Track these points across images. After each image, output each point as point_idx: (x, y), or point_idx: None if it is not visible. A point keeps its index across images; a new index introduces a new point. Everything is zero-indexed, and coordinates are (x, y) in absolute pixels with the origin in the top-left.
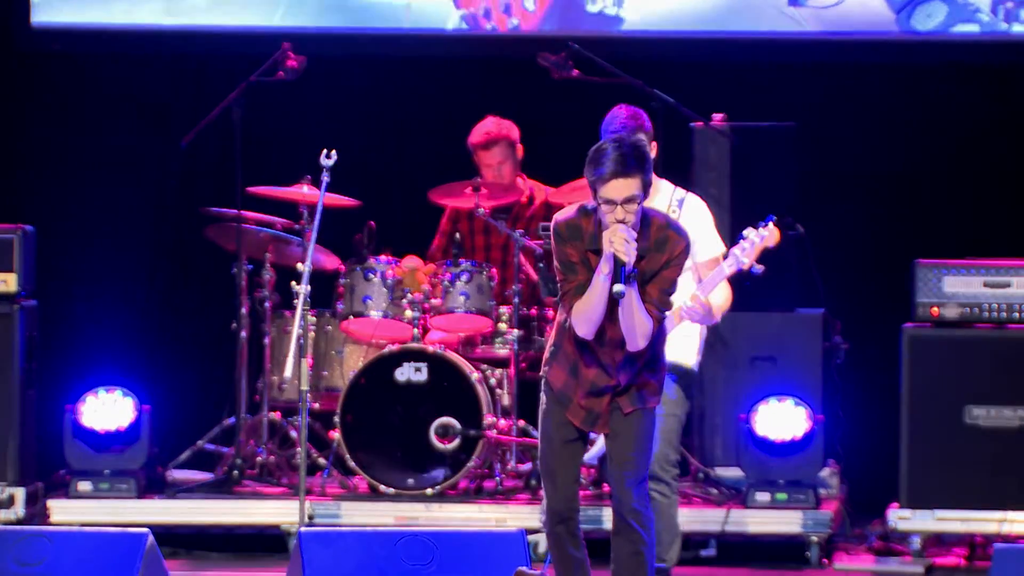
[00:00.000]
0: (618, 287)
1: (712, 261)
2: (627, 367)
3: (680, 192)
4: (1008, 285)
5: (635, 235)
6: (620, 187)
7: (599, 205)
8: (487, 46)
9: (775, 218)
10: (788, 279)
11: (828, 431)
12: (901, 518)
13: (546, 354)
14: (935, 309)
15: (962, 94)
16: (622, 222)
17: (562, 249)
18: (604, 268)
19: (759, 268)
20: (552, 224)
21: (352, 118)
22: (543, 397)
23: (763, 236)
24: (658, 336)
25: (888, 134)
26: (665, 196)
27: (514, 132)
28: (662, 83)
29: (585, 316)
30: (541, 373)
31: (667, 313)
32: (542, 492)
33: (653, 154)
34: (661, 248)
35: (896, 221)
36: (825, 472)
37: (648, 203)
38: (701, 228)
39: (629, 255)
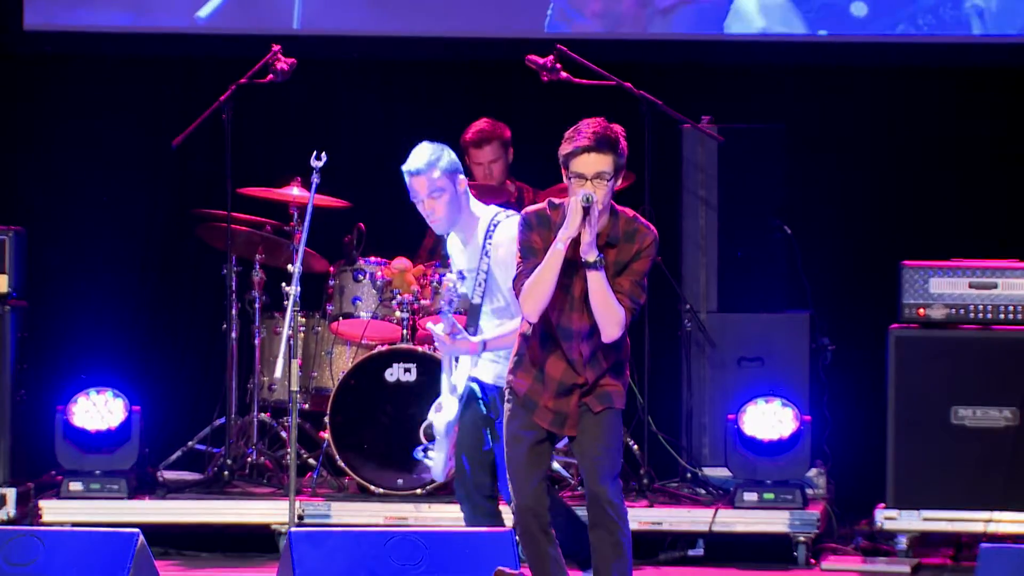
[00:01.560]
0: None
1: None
2: (594, 363)
3: (501, 216)
4: (994, 286)
5: (600, 209)
6: (591, 162)
7: (570, 181)
8: (476, 48)
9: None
10: (775, 280)
11: (815, 431)
12: (888, 518)
13: (510, 364)
14: (921, 310)
15: (950, 96)
16: (596, 200)
17: (528, 236)
18: (566, 232)
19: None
20: (522, 214)
21: (342, 120)
22: (507, 405)
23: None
24: (622, 340)
25: (875, 136)
26: (485, 220)
27: (507, 132)
28: (650, 85)
29: (537, 286)
30: (505, 383)
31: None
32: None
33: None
34: (631, 239)
35: (882, 222)
36: (812, 472)
37: (467, 227)
38: (510, 253)
39: (592, 214)
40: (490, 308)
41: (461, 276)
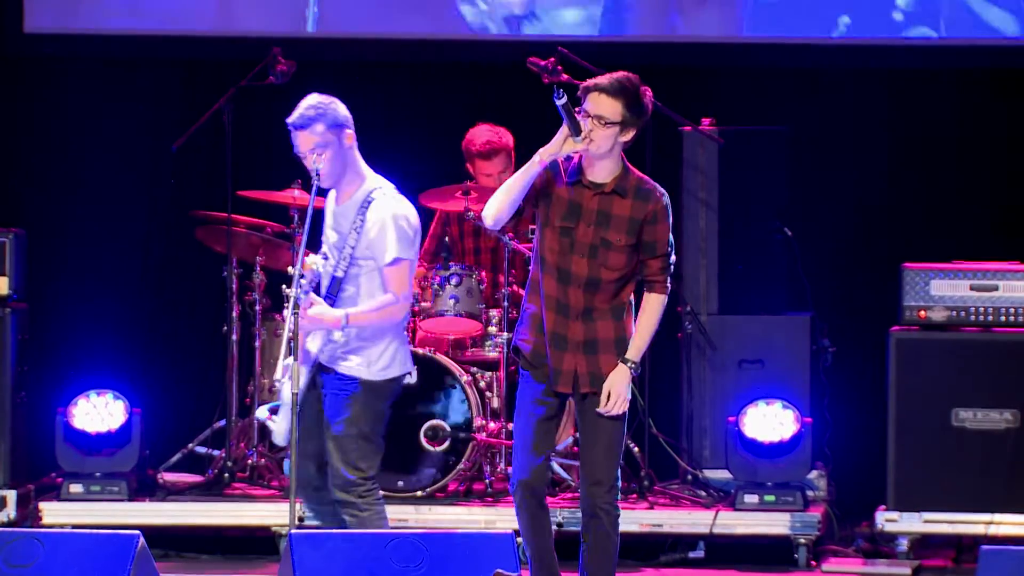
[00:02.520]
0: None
1: (390, 267)
2: (587, 318)
3: (379, 192)
4: (995, 288)
5: (591, 151)
6: (597, 102)
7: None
8: (476, 50)
9: None
10: (776, 282)
11: (816, 434)
12: (888, 520)
13: (516, 329)
14: (922, 312)
15: (951, 98)
16: (588, 136)
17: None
18: (544, 149)
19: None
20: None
21: None
22: (520, 374)
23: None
24: (625, 320)
25: (876, 138)
26: (364, 190)
27: (512, 140)
28: (651, 87)
29: (502, 190)
30: (513, 342)
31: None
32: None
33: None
34: (644, 197)
35: (883, 225)
36: (813, 474)
37: (350, 185)
38: (382, 230)
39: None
40: (352, 288)
41: (325, 258)
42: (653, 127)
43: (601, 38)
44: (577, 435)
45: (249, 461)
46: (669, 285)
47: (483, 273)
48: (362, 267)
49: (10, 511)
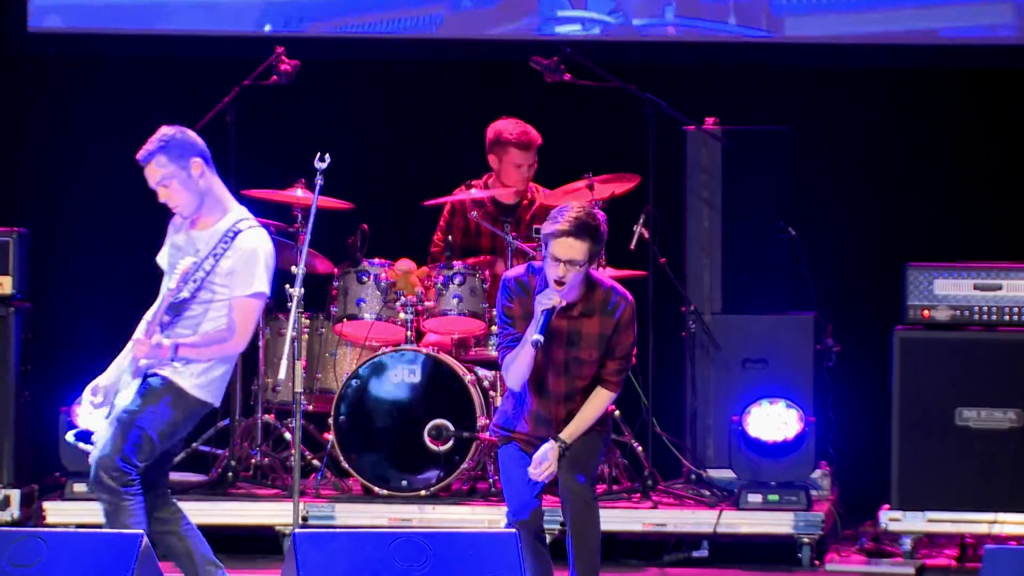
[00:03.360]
0: (537, 337)
1: (248, 299)
2: (568, 421)
3: (246, 224)
4: (999, 288)
5: (563, 294)
6: (566, 247)
7: (545, 258)
8: (480, 49)
9: None
10: (779, 282)
11: (819, 433)
12: (892, 519)
13: (499, 419)
14: (926, 311)
15: (953, 98)
16: (559, 281)
17: (508, 302)
18: (533, 330)
19: None
20: (503, 278)
21: (345, 121)
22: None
23: None
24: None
25: (880, 137)
26: (229, 220)
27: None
28: (654, 87)
29: (513, 369)
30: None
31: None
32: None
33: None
34: (609, 312)
35: (887, 224)
36: (817, 474)
37: (211, 213)
38: (247, 262)
39: (551, 303)
40: (199, 310)
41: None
42: (656, 126)
43: (604, 37)
44: None
45: (253, 460)
46: (621, 386)
47: (487, 272)
48: (215, 293)
49: (14, 510)
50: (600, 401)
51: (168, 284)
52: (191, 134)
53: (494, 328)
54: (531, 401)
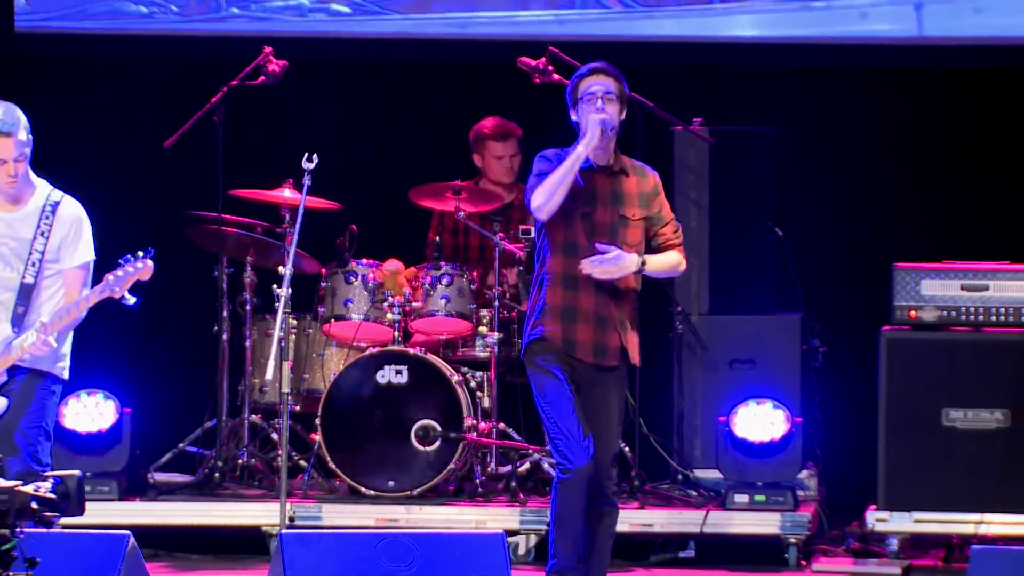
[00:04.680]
0: (604, 116)
1: (79, 269)
2: (616, 297)
3: (57, 194)
4: (985, 288)
5: (606, 130)
6: (602, 81)
7: (581, 106)
8: (468, 50)
9: (153, 252)
10: (767, 282)
11: (806, 433)
12: (879, 520)
13: (531, 319)
14: (913, 312)
15: (941, 99)
16: (606, 113)
17: (547, 166)
18: (586, 142)
19: (131, 300)
20: (540, 153)
21: (333, 122)
22: (539, 365)
23: (138, 268)
24: (637, 302)
25: (867, 138)
26: (41, 194)
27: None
28: (642, 87)
29: (554, 181)
30: (529, 339)
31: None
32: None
33: None
34: (642, 173)
35: (874, 225)
36: (803, 474)
37: (23, 193)
38: (75, 233)
39: (605, 124)
40: (48, 293)
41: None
42: (643, 127)
43: (591, 37)
44: None
45: (240, 461)
46: (683, 245)
47: (474, 273)
48: (50, 270)
49: None
50: (676, 255)
51: (3, 273)
52: None
53: (481, 329)
54: (588, 300)
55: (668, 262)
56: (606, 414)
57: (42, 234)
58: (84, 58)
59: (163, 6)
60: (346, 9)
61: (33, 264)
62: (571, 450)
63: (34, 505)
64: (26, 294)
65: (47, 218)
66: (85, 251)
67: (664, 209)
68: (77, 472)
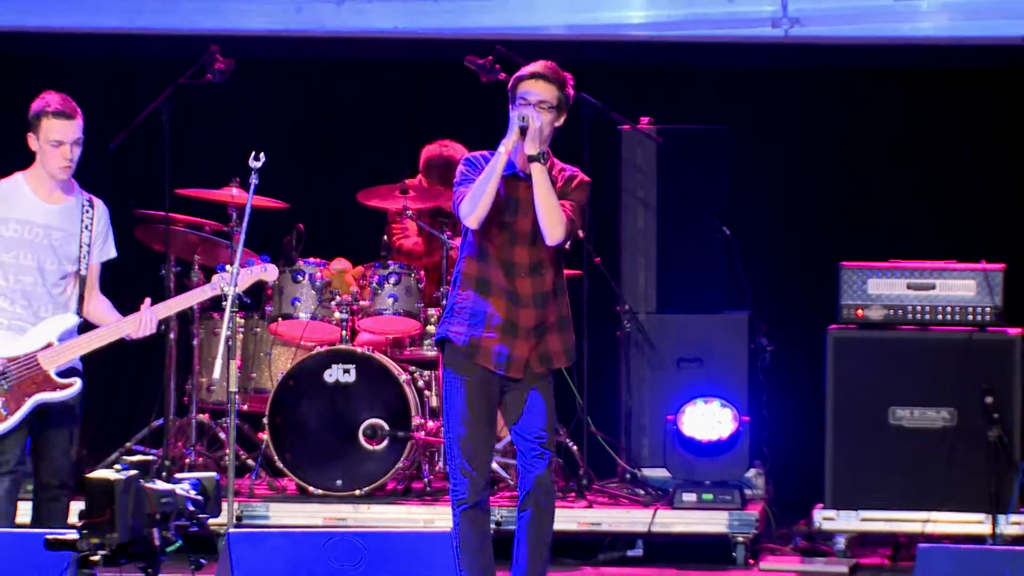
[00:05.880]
0: (522, 114)
1: (102, 265)
2: (537, 302)
3: (86, 193)
4: (932, 287)
5: (527, 141)
6: (538, 87)
7: (515, 105)
8: (415, 48)
9: (268, 258)
10: (714, 281)
11: (754, 432)
12: (826, 518)
13: (441, 322)
14: (859, 311)
15: (888, 98)
16: (532, 120)
17: (473, 173)
18: (507, 142)
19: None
20: (467, 155)
21: (280, 120)
22: (444, 373)
23: (264, 269)
24: (563, 298)
25: (815, 138)
26: (77, 190)
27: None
28: (590, 86)
29: (480, 190)
30: (435, 339)
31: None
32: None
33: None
34: (568, 180)
35: (821, 224)
36: (751, 473)
37: (67, 186)
38: (108, 229)
39: (534, 122)
40: (89, 284)
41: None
42: (591, 126)
43: (538, 35)
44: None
45: (187, 460)
46: (572, 219)
47: (422, 272)
48: (88, 265)
49: None
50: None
51: (51, 265)
52: None
53: (429, 328)
54: (499, 307)
55: (552, 192)
56: (531, 408)
57: (86, 227)
58: (29, 57)
59: None
60: None
61: (83, 257)
62: (457, 481)
63: (190, 507)
64: (83, 285)
65: (87, 212)
66: (112, 249)
67: (573, 194)
68: (214, 474)
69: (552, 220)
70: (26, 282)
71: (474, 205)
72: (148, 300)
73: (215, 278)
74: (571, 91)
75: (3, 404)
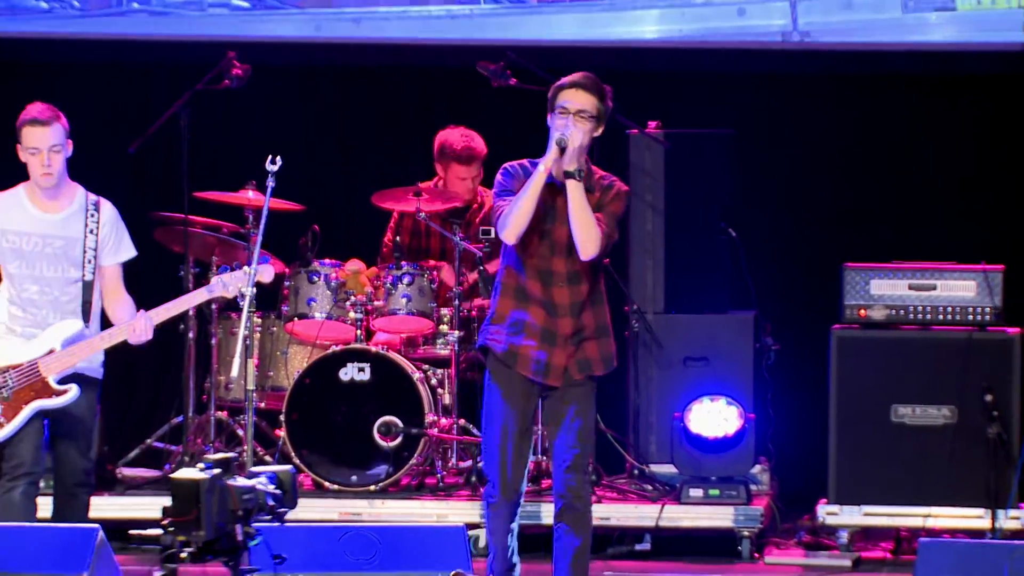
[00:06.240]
0: (559, 135)
1: (121, 266)
2: (574, 311)
3: (92, 195)
4: (933, 288)
5: (568, 151)
6: (578, 97)
7: (554, 115)
8: (428, 54)
9: (268, 259)
10: (721, 282)
11: (759, 429)
12: (829, 513)
13: (481, 330)
14: (862, 311)
15: (890, 101)
16: (573, 130)
17: (509, 183)
18: (547, 159)
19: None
20: (505, 165)
21: (296, 124)
22: (485, 380)
23: (258, 271)
24: (601, 307)
25: (820, 141)
26: (81, 195)
27: (485, 149)
28: None
29: (519, 208)
30: (476, 346)
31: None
32: (484, 485)
33: None
34: (606, 188)
35: (825, 226)
36: (756, 469)
37: (64, 193)
38: (118, 231)
39: (574, 139)
40: (98, 289)
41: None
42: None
43: (549, 42)
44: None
45: (205, 456)
46: (608, 233)
47: (435, 272)
48: (97, 267)
49: None
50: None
51: (52, 273)
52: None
53: (442, 327)
54: (537, 316)
55: (587, 208)
56: (567, 421)
57: (91, 232)
58: (50, 63)
59: (64, 1)
60: (245, 4)
61: (89, 261)
62: (492, 484)
63: (270, 502)
64: (89, 290)
65: (92, 216)
66: (128, 248)
67: (611, 206)
68: (289, 467)
69: (587, 236)
70: (31, 291)
71: (512, 224)
72: (142, 311)
73: (214, 280)
74: (610, 103)
75: (1, 412)
